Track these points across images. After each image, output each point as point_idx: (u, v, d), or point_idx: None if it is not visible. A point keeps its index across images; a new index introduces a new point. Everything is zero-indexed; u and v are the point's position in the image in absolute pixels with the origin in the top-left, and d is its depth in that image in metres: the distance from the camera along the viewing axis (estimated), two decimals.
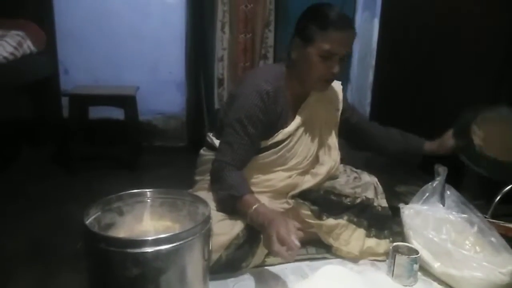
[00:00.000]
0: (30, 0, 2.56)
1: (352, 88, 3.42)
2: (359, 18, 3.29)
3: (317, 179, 1.48)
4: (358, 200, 1.49)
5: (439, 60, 2.52)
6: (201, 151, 1.58)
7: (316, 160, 1.53)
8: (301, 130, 1.47)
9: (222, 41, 2.97)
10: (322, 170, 1.50)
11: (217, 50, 2.96)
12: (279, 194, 1.49)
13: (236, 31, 2.98)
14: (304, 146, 1.49)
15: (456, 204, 1.45)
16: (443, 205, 1.47)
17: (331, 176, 1.54)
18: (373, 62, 3.19)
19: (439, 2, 2.53)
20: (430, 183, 1.51)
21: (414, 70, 2.75)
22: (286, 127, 1.44)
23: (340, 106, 1.56)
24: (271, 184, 1.47)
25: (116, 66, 2.89)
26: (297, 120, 1.46)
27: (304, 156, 1.50)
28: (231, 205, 1.31)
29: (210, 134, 1.55)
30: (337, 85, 1.56)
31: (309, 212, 1.45)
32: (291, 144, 1.46)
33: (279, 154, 1.45)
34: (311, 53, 1.31)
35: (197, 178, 1.57)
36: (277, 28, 3.06)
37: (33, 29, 2.41)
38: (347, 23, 1.31)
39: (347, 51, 1.32)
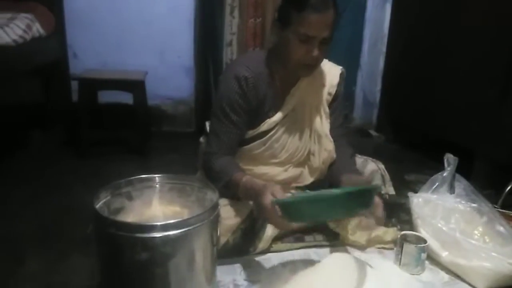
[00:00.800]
0: None
1: (363, 75, 3.38)
2: (371, 4, 3.23)
3: (315, 174, 1.46)
4: None
5: (451, 48, 2.48)
6: (201, 139, 1.59)
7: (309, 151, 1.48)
8: (289, 119, 1.41)
9: (231, 25, 2.94)
10: (316, 163, 1.45)
11: (225, 34, 2.94)
12: (282, 185, 1.47)
13: (246, 16, 2.95)
14: (293, 137, 1.43)
15: (466, 194, 1.43)
16: (452, 194, 1.46)
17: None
18: (384, 49, 3.14)
19: None
20: (440, 173, 1.49)
21: (426, 57, 2.71)
22: (274, 115, 1.39)
23: (333, 91, 1.46)
24: (268, 178, 1.42)
25: (125, 50, 2.89)
26: (284, 109, 1.40)
27: (296, 147, 1.44)
28: (229, 191, 1.29)
29: (207, 123, 1.53)
30: (335, 69, 1.48)
31: None
32: (278, 134, 1.41)
33: (266, 145, 1.41)
34: (289, 36, 1.24)
35: (197, 165, 1.58)
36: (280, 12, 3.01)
37: (42, 12, 2.41)
38: (325, 4, 1.21)
39: (327, 34, 1.23)
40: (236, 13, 2.92)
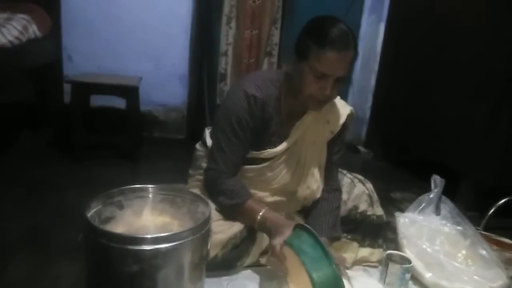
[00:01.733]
0: None
1: (354, 91, 3.43)
2: (365, 21, 3.29)
3: (297, 206, 1.47)
4: (352, 216, 1.49)
5: (443, 68, 2.53)
6: (197, 146, 1.57)
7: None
8: (288, 151, 1.39)
9: (227, 35, 2.97)
10: (298, 197, 1.44)
11: (221, 44, 2.97)
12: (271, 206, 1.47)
13: (242, 27, 2.99)
14: (287, 170, 1.41)
15: (451, 216, 1.47)
16: (438, 216, 1.50)
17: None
18: (376, 67, 3.20)
19: (445, 8, 2.54)
20: (426, 194, 1.53)
21: (417, 76, 2.76)
22: (276, 145, 1.37)
23: (336, 130, 1.42)
24: (259, 198, 1.42)
25: (120, 55, 2.89)
26: (288, 141, 1.38)
27: (288, 180, 1.42)
28: (232, 212, 1.31)
29: (207, 130, 1.52)
30: (345, 109, 1.44)
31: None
32: (274, 164, 1.39)
33: (260, 171, 1.39)
34: (305, 69, 1.21)
35: (190, 172, 1.57)
36: (283, 25, 3.06)
37: (39, 13, 2.40)
38: (346, 44, 1.17)
39: (343, 73, 1.20)
40: (233, 23, 2.96)
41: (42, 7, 2.45)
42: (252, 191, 1.40)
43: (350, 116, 1.44)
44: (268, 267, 1.37)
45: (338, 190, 1.48)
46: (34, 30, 2.24)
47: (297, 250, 1.07)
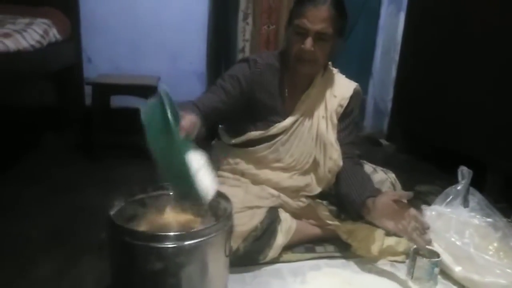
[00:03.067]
0: None
1: (374, 83, 3.37)
2: (384, 11, 3.23)
3: (322, 183, 1.45)
4: None
5: (466, 57, 2.46)
6: (213, 142, 1.61)
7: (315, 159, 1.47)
8: (297, 124, 1.44)
9: (244, 32, 2.95)
10: (321, 172, 1.44)
11: (238, 41, 2.95)
12: (290, 192, 1.47)
13: (259, 22, 2.96)
14: (299, 142, 1.44)
15: (480, 208, 1.42)
16: (467, 208, 1.45)
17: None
18: (397, 57, 3.13)
19: None
20: (453, 186, 1.48)
21: (439, 66, 2.69)
22: (283, 118, 1.42)
23: (345, 103, 1.45)
24: (273, 185, 1.45)
25: (138, 55, 2.92)
26: (295, 114, 1.43)
27: (300, 153, 1.45)
28: None
29: (220, 126, 1.57)
30: (350, 84, 1.49)
31: (327, 212, 1.44)
32: (284, 137, 1.43)
33: (272, 148, 1.44)
34: (290, 31, 1.33)
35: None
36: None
37: (59, 17, 2.44)
38: (323, 0, 1.28)
39: (320, 28, 1.27)
40: (250, 19, 2.94)
41: (61, 11, 2.48)
42: (269, 176, 1.44)
43: (356, 92, 1.48)
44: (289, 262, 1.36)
45: (361, 165, 1.50)
46: (54, 34, 2.27)
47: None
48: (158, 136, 0.96)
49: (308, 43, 1.28)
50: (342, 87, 1.46)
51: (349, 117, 1.48)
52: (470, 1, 2.44)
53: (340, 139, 1.45)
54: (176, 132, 0.96)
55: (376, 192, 1.34)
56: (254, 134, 1.43)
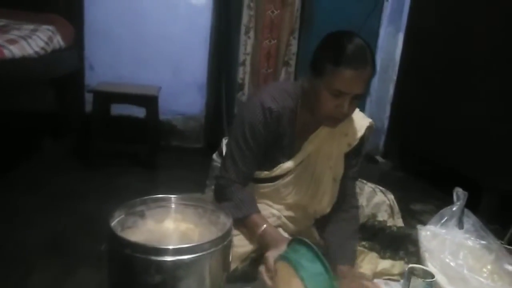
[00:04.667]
0: None
1: (372, 101, 3.41)
2: (384, 31, 3.28)
3: (311, 219, 1.45)
4: (370, 223, 1.46)
5: (462, 77, 2.50)
6: (214, 156, 1.57)
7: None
8: (301, 165, 1.36)
9: (245, 45, 2.99)
10: (309, 210, 1.41)
11: (240, 54, 2.99)
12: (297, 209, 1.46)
13: (260, 37, 3.01)
14: (301, 185, 1.38)
15: (475, 230, 1.44)
16: (461, 229, 1.47)
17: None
18: (395, 76, 3.18)
19: (465, 18, 2.52)
20: (449, 207, 1.50)
21: (436, 86, 2.74)
22: (288, 159, 1.34)
23: (355, 143, 1.37)
24: (272, 213, 1.42)
25: (140, 65, 2.94)
26: (300, 156, 1.35)
27: (301, 195, 1.39)
28: (239, 224, 1.28)
29: (224, 140, 1.52)
30: (363, 121, 1.39)
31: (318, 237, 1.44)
32: (287, 179, 1.36)
33: (274, 188, 1.38)
34: (320, 87, 1.17)
35: (208, 182, 1.58)
36: (301, 35, 3.07)
37: (63, 24, 2.46)
38: (363, 61, 1.13)
39: (361, 91, 1.16)
40: (251, 33, 2.98)
41: (65, 18, 2.51)
42: (267, 204, 1.40)
43: (369, 129, 1.39)
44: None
45: (356, 207, 1.43)
46: (58, 41, 2.29)
47: (295, 265, 1.03)
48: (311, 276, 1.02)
49: (346, 107, 1.17)
50: (354, 126, 1.37)
51: (355, 154, 1.40)
52: (468, 22, 2.49)
53: (345, 175, 1.39)
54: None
55: (351, 261, 1.32)
56: (258, 173, 1.38)
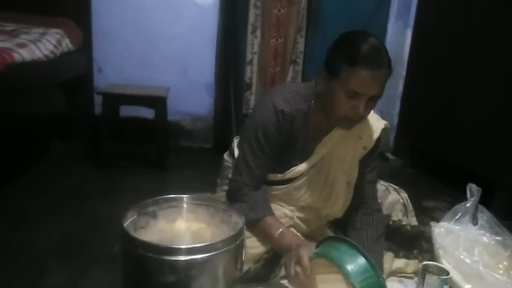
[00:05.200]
0: None
1: (381, 97, 3.38)
2: (392, 27, 3.25)
3: (325, 220, 1.44)
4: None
5: (472, 72, 2.47)
6: (224, 155, 1.56)
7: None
8: (314, 168, 1.34)
9: (252, 44, 2.99)
10: (321, 214, 1.40)
11: (247, 53, 2.99)
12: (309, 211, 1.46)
13: (267, 35, 3.00)
14: (314, 189, 1.36)
15: (489, 226, 1.42)
16: (475, 225, 1.45)
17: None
18: (404, 73, 3.15)
19: (474, 13, 2.49)
20: (462, 203, 1.48)
21: (446, 81, 2.71)
22: (301, 161, 1.33)
23: (370, 146, 1.34)
24: (284, 213, 1.41)
25: (148, 66, 2.95)
26: (313, 158, 1.33)
27: (312, 199, 1.38)
28: (250, 225, 1.25)
29: (235, 140, 1.50)
30: (379, 124, 1.36)
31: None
32: (299, 182, 1.35)
33: (284, 191, 1.37)
34: (335, 88, 1.14)
35: (218, 181, 1.57)
36: (308, 33, 3.06)
37: (71, 27, 2.47)
38: (380, 61, 1.11)
39: (377, 92, 1.13)
40: (258, 32, 2.98)
41: (74, 21, 2.52)
42: (279, 204, 1.39)
43: (384, 131, 1.36)
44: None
45: (380, 211, 1.40)
46: (67, 44, 2.30)
47: (338, 261, 1.02)
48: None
49: (362, 108, 1.14)
50: (369, 129, 1.34)
51: (371, 157, 1.38)
52: (477, 17, 2.46)
53: (360, 178, 1.38)
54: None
55: (380, 265, 1.29)
56: (271, 176, 1.36)
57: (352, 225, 1.39)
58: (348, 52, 1.12)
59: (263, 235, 1.28)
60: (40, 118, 2.67)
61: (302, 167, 1.33)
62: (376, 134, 1.34)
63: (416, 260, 1.46)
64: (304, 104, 1.28)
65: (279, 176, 1.35)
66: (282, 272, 1.34)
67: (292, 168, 1.33)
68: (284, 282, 1.35)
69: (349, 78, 1.11)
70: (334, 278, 1.03)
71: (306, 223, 1.43)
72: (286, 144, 1.30)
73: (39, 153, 2.58)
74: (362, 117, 1.20)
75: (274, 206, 1.36)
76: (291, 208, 1.41)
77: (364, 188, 1.38)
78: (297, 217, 1.41)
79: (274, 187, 1.37)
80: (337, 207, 1.38)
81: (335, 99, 1.16)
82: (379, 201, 1.45)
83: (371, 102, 1.16)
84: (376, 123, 1.35)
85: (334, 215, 1.40)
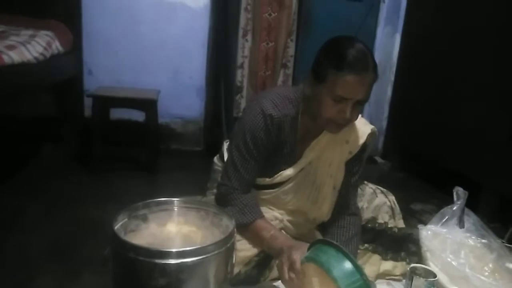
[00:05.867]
0: (59, 0, 2.62)
1: (370, 101, 3.41)
2: (381, 32, 3.30)
3: (312, 225, 1.44)
4: (370, 226, 1.47)
5: (460, 77, 2.52)
6: (214, 159, 1.56)
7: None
8: (302, 172, 1.36)
9: (243, 48, 3.00)
10: (308, 217, 1.41)
11: (238, 57, 2.99)
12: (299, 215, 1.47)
13: (258, 39, 3.01)
14: (302, 192, 1.38)
15: (476, 229, 1.44)
16: (462, 228, 1.48)
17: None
18: (393, 77, 3.20)
19: (462, 18, 2.53)
20: (449, 206, 1.50)
21: (434, 86, 2.75)
22: (289, 166, 1.34)
23: (356, 151, 1.36)
24: (274, 216, 1.42)
25: (139, 69, 2.95)
26: (301, 162, 1.34)
27: (301, 203, 1.39)
28: (240, 228, 1.25)
29: (225, 143, 1.50)
30: (365, 128, 1.37)
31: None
32: (287, 187, 1.37)
33: (273, 195, 1.38)
34: (322, 93, 1.16)
35: (208, 185, 1.58)
36: (298, 38, 3.08)
37: (61, 29, 2.47)
38: (365, 66, 1.13)
39: (362, 96, 1.15)
40: (249, 36, 2.99)
41: (63, 23, 2.51)
42: (269, 208, 1.40)
43: (371, 135, 1.38)
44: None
45: (357, 215, 1.42)
46: (57, 46, 2.29)
47: (326, 266, 1.03)
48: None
49: (348, 112, 1.16)
50: (356, 133, 1.36)
51: (357, 161, 1.39)
52: (465, 21, 2.50)
53: (345, 182, 1.39)
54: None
55: None
56: (259, 180, 1.37)
57: (328, 226, 1.41)
58: (335, 57, 1.14)
59: (254, 238, 1.28)
60: (30, 121, 2.66)
61: (290, 171, 1.34)
62: (362, 139, 1.36)
63: (404, 262, 1.48)
64: (292, 109, 1.29)
65: (268, 181, 1.36)
66: (272, 274, 1.36)
67: (280, 172, 1.34)
68: (276, 283, 1.36)
69: (335, 82, 1.13)
70: (329, 283, 1.05)
71: (296, 226, 1.44)
72: (275, 148, 1.31)
73: (29, 156, 2.56)
74: (349, 121, 1.21)
75: (263, 209, 1.37)
76: (281, 211, 1.42)
77: (346, 192, 1.39)
78: (287, 220, 1.42)
79: (263, 191, 1.38)
80: (324, 210, 1.39)
81: (322, 103, 1.17)
82: (366, 204, 1.47)
83: (358, 106, 1.18)
84: (363, 127, 1.37)
85: (321, 218, 1.42)
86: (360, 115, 1.33)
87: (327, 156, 1.35)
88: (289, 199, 1.39)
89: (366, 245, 1.47)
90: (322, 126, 1.26)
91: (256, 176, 1.34)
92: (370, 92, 1.18)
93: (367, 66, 1.13)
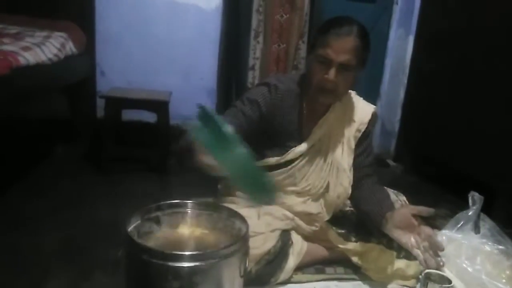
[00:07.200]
0: (73, 2, 2.64)
1: (382, 104, 3.40)
2: (393, 35, 3.27)
3: (331, 209, 1.46)
4: None
5: (474, 79, 2.48)
6: None
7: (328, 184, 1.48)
8: (313, 149, 1.43)
9: (255, 50, 2.99)
10: (330, 197, 1.44)
11: (249, 59, 2.99)
12: (303, 216, 1.48)
13: (270, 41, 3.01)
14: (315, 167, 1.44)
15: (492, 234, 1.42)
16: (478, 234, 1.45)
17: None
18: (405, 79, 3.17)
19: (476, 21, 2.50)
20: (464, 211, 1.48)
21: (448, 89, 2.71)
22: (299, 143, 1.40)
23: (363, 128, 1.46)
24: (289, 206, 1.45)
25: (150, 70, 2.95)
26: (311, 139, 1.42)
27: (316, 177, 1.45)
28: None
29: None
30: (368, 107, 1.49)
31: (337, 236, 1.45)
32: (301, 163, 1.42)
33: (288, 173, 1.43)
34: (311, 59, 1.31)
35: (219, 187, 1.59)
36: (310, 39, 3.07)
37: (75, 30, 2.48)
38: (349, 30, 1.25)
39: (345, 59, 1.24)
40: (260, 38, 2.98)
41: (77, 25, 2.53)
42: (283, 200, 1.42)
43: (374, 115, 1.48)
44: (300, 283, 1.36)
45: (378, 183, 1.49)
46: (70, 47, 2.31)
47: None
48: (220, 150, 1.00)
49: (332, 74, 1.25)
50: (361, 111, 1.46)
51: (367, 140, 1.49)
52: (478, 25, 2.47)
53: (358, 163, 1.46)
54: (238, 142, 0.99)
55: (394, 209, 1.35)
56: (271, 160, 1.42)
57: (357, 195, 1.45)
58: (323, 25, 1.30)
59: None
60: (43, 121, 2.68)
61: (302, 147, 1.41)
62: (367, 116, 1.46)
63: (417, 262, 1.46)
64: (296, 87, 1.40)
65: (278, 159, 1.41)
66: (283, 275, 1.35)
67: (292, 149, 1.40)
68: (285, 287, 1.35)
69: (320, 45, 1.26)
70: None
71: (309, 223, 1.45)
72: (278, 123, 1.37)
73: (41, 157, 2.58)
74: (336, 87, 1.29)
75: (273, 207, 1.40)
76: (295, 201, 1.45)
77: (362, 170, 1.47)
78: (300, 211, 1.45)
79: (277, 171, 1.42)
80: (345, 183, 1.43)
81: (311, 69, 1.30)
82: None
83: (344, 72, 1.26)
84: (366, 107, 1.48)
85: (345, 194, 1.44)
86: (359, 98, 1.46)
87: (336, 133, 1.43)
88: (302, 176, 1.43)
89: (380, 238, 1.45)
90: (314, 95, 1.34)
91: (237, 131, 1.28)
92: (358, 60, 1.27)
93: (349, 30, 1.25)
